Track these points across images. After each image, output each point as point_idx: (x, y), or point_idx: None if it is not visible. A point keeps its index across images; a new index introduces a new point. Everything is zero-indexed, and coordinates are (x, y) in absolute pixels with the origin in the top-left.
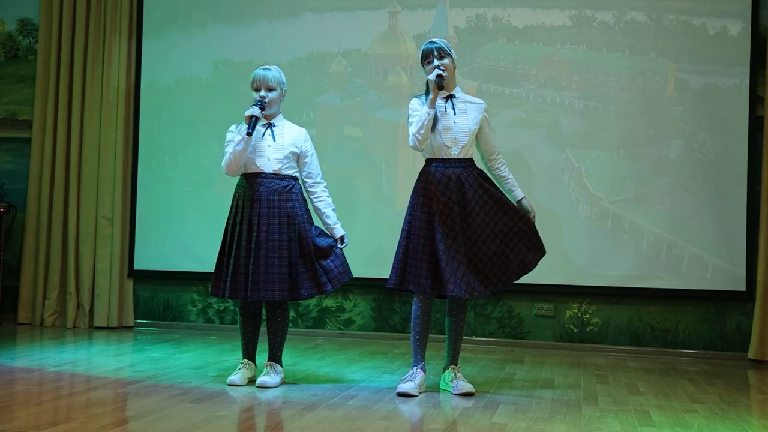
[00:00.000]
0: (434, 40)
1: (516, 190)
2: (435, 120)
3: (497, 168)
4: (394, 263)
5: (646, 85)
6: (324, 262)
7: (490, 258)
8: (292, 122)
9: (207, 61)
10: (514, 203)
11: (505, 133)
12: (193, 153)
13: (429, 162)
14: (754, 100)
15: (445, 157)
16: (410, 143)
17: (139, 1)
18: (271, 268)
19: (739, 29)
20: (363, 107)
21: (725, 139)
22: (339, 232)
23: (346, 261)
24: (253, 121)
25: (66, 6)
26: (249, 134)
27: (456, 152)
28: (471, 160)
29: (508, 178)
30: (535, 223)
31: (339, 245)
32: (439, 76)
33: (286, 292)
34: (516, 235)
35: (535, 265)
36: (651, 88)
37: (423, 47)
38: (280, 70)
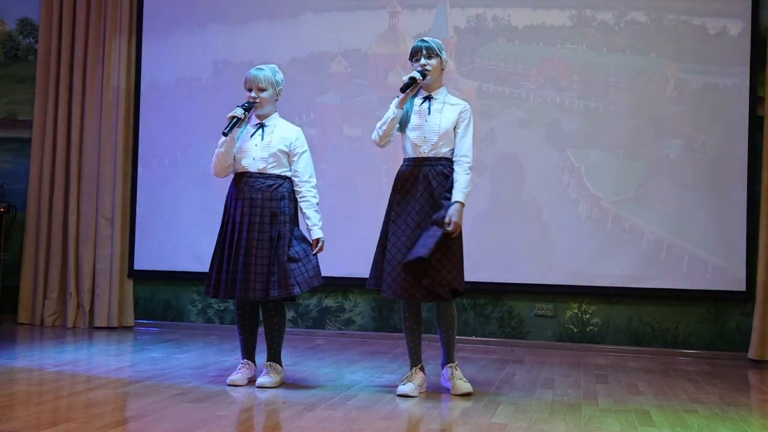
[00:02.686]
0: (426, 39)
1: (455, 193)
2: (408, 119)
3: (455, 171)
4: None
5: (646, 85)
6: (294, 266)
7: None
8: (292, 122)
9: (207, 61)
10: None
11: (505, 133)
12: (193, 153)
13: (403, 161)
14: (754, 100)
15: (414, 155)
16: (372, 137)
17: (139, 1)
18: (249, 267)
19: (739, 29)
20: (363, 107)
21: (725, 139)
22: (315, 234)
23: (317, 265)
24: (233, 122)
25: (66, 6)
26: (224, 134)
27: (425, 150)
28: (444, 159)
29: (457, 181)
30: (462, 229)
31: (313, 249)
32: (411, 78)
33: (261, 291)
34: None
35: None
36: (651, 88)
37: (414, 44)
38: (275, 70)
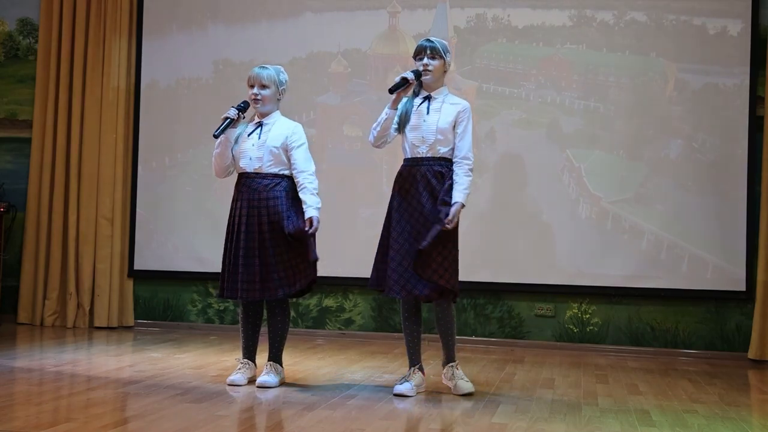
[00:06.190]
0: (432, 39)
1: (455, 193)
2: (408, 119)
3: (456, 172)
4: None
5: (646, 85)
6: (296, 262)
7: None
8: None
9: (207, 61)
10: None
11: (505, 133)
12: (193, 153)
13: (403, 161)
14: (754, 100)
15: (413, 156)
16: (369, 138)
17: (139, 1)
18: (250, 268)
19: (739, 29)
20: (363, 107)
21: (725, 139)
22: (308, 213)
23: (311, 258)
24: (225, 123)
25: (66, 6)
26: (215, 136)
27: (424, 151)
28: (443, 159)
29: (458, 182)
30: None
31: (307, 228)
32: (403, 78)
33: (264, 291)
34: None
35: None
36: (651, 88)
37: (419, 43)
38: (280, 70)
